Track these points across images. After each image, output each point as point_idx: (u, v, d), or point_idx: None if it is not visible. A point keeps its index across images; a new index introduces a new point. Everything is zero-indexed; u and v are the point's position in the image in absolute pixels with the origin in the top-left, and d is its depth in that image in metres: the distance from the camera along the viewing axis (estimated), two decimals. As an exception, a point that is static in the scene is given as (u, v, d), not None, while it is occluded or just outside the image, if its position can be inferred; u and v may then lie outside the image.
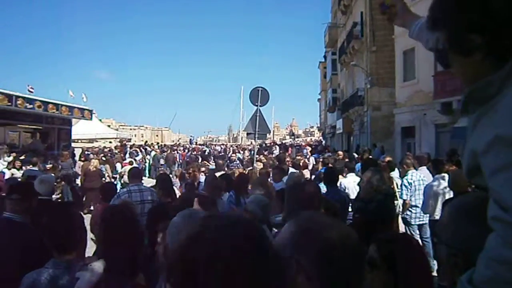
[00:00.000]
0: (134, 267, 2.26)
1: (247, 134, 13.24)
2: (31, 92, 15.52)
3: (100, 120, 36.98)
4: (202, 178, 7.76)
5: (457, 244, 1.17)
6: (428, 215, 6.28)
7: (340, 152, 14.43)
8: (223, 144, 55.67)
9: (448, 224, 1.25)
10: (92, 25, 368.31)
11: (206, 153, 27.67)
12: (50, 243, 2.37)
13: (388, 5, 1.76)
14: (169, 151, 25.01)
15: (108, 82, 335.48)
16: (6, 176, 9.83)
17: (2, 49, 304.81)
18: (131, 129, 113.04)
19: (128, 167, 15.50)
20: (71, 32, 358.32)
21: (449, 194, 5.81)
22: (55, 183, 5.83)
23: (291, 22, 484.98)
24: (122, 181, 15.49)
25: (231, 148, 34.31)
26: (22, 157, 12.43)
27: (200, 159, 20.24)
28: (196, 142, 45.36)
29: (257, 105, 12.25)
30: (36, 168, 11.26)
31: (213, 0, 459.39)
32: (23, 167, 11.17)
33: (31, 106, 12.81)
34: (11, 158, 11.16)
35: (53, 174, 11.58)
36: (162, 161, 22.25)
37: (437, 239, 1.29)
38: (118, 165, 15.27)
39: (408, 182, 6.79)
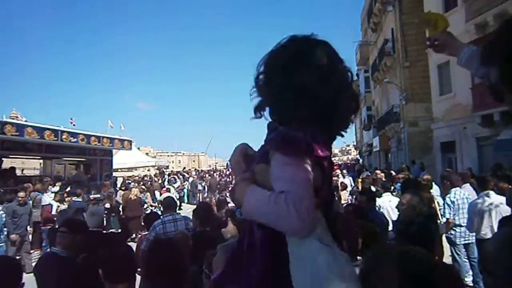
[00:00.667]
0: None
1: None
2: (73, 125, 16.22)
3: (138, 148, 38.00)
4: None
5: (505, 275, 1.15)
6: (474, 234, 6.05)
7: (378, 171, 14.19)
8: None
9: (495, 254, 1.23)
10: (127, 59, 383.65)
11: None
12: (104, 273, 2.48)
13: (434, 38, 1.80)
14: (211, 177, 25.31)
15: (145, 111, 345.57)
16: (54, 208, 10.22)
17: (47, 84, 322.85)
18: (168, 155, 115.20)
19: (166, 194, 15.88)
20: (111, 69, 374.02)
21: (495, 212, 5.61)
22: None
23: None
24: (161, 209, 15.84)
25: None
26: (68, 189, 13.01)
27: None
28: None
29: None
30: (80, 199, 11.74)
31: (244, 29, 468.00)
32: (66, 199, 11.66)
33: (75, 139, 13.45)
34: (57, 188, 11.55)
35: (107, 205, 12.12)
36: (199, 187, 22.55)
37: (483, 269, 1.27)
38: (157, 193, 15.65)
39: (451, 201, 6.56)
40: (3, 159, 11.83)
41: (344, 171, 16.92)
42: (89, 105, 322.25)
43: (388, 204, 6.63)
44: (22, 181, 12.21)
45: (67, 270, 3.31)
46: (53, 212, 10.11)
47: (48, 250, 9.41)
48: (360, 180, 14.84)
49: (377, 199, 6.85)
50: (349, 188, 13.24)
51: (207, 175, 28.82)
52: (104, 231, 5.29)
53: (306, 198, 1.02)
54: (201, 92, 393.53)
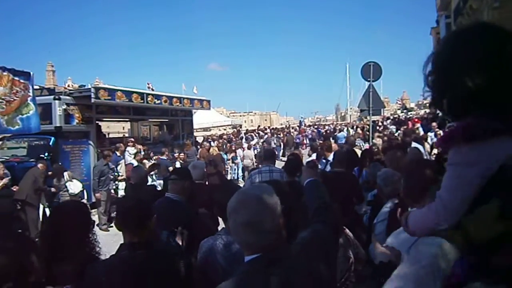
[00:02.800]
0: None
1: (361, 110, 13.04)
2: (152, 89, 17.02)
3: (213, 108, 39.01)
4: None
5: None
6: None
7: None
8: (332, 123, 54.94)
9: None
10: (202, 24, 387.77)
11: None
12: (219, 214, 2.74)
13: None
14: (288, 134, 25.66)
15: (217, 73, 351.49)
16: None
17: (123, 51, 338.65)
18: (240, 115, 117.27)
19: (248, 152, 16.43)
20: (183, 32, 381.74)
21: None
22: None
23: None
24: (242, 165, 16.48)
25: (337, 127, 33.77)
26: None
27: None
28: (305, 124, 45.47)
29: (369, 81, 12.00)
30: (165, 157, 12.51)
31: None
32: (154, 157, 12.51)
33: (158, 101, 14.17)
34: (135, 150, 12.33)
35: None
36: (273, 144, 22.86)
37: None
38: (239, 151, 16.27)
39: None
40: (97, 122, 12.81)
41: (433, 124, 15.36)
42: (163, 69, 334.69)
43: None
44: (115, 142, 13.28)
45: (180, 210, 3.70)
46: None
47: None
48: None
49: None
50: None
51: (281, 132, 29.12)
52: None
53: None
54: (271, 54, 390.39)
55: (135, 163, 10.78)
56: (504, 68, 1.28)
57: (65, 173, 9.62)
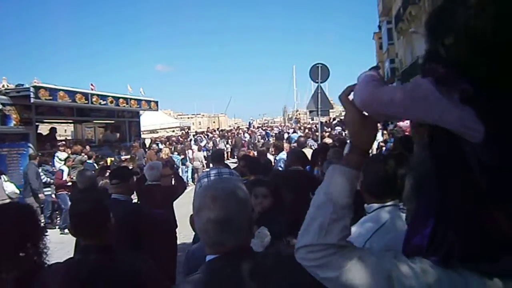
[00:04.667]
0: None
1: (310, 111, 13.28)
2: (93, 89, 16.41)
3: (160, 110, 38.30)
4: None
5: None
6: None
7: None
8: (279, 125, 55.62)
9: None
10: (149, 23, 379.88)
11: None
12: None
13: None
14: (235, 136, 25.65)
15: (164, 74, 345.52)
16: (65, 173, 10.26)
17: (64, 50, 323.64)
18: (188, 117, 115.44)
19: (198, 153, 16.19)
20: (130, 33, 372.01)
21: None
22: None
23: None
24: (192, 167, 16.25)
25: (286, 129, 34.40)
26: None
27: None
28: (254, 126, 45.80)
29: (317, 82, 12.23)
30: (91, 161, 11.52)
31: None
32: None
33: (104, 102, 13.63)
34: (65, 155, 11.44)
35: (130, 167, 12.33)
36: (222, 145, 22.72)
37: None
38: (189, 152, 16.01)
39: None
40: (37, 124, 12.10)
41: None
42: (108, 69, 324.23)
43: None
44: (58, 145, 12.59)
45: (132, 210, 3.57)
46: (65, 177, 10.25)
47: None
48: (386, 132, 14.84)
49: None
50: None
51: (229, 133, 29.15)
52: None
53: None
54: (218, 54, 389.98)
55: (66, 170, 10.29)
56: None
57: (2, 176, 9.01)
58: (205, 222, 1.39)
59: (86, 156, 11.35)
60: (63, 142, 12.99)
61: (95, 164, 11.53)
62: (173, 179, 6.11)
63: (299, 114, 75.42)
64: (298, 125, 33.14)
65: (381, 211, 2.33)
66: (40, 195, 9.79)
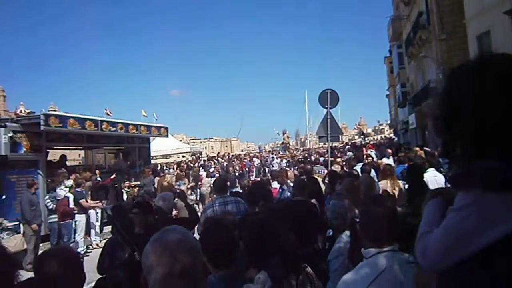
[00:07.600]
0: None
1: (319, 137, 13.20)
2: (109, 115, 16.57)
3: (172, 135, 38.60)
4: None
5: None
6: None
7: (417, 148, 13.84)
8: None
9: None
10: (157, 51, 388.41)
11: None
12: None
13: None
14: (229, 161, 25.55)
15: (178, 99, 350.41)
16: (71, 200, 10.26)
17: (80, 77, 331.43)
18: (201, 142, 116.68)
19: (206, 180, 16.06)
20: (144, 60, 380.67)
21: None
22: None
23: (352, 19, 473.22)
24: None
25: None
26: (113, 176, 13.44)
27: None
28: (264, 150, 45.90)
29: (327, 108, 12.18)
30: (79, 189, 10.84)
31: (267, 7, 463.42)
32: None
33: (114, 128, 13.73)
34: (71, 182, 11.17)
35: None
36: (212, 169, 22.32)
37: None
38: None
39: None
40: (48, 151, 12.21)
41: (389, 150, 15.62)
42: (124, 95, 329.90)
43: (434, 179, 6.50)
44: (68, 171, 12.64)
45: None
46: (71, 205, 10.22)
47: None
48: (395, 158, 14.53)
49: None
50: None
51: (236, 159, 28.80)
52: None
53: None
54: (233, 84, 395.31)
55: (71, 197, 10.25)
56: None
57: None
58: (163, 278, 1.27)
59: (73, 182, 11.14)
60: (63, 169, 12.13)
61: (83, 191, 11.01)
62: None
63: (307, 138, 75.59)
64: (287, 152, 32.27)
65: (379, 257, 2.24)
66: (32, 226, 9.44)
